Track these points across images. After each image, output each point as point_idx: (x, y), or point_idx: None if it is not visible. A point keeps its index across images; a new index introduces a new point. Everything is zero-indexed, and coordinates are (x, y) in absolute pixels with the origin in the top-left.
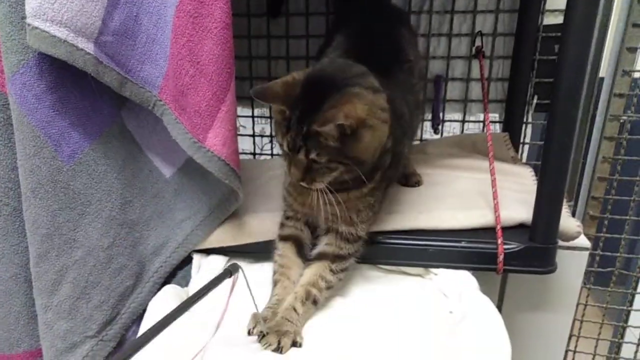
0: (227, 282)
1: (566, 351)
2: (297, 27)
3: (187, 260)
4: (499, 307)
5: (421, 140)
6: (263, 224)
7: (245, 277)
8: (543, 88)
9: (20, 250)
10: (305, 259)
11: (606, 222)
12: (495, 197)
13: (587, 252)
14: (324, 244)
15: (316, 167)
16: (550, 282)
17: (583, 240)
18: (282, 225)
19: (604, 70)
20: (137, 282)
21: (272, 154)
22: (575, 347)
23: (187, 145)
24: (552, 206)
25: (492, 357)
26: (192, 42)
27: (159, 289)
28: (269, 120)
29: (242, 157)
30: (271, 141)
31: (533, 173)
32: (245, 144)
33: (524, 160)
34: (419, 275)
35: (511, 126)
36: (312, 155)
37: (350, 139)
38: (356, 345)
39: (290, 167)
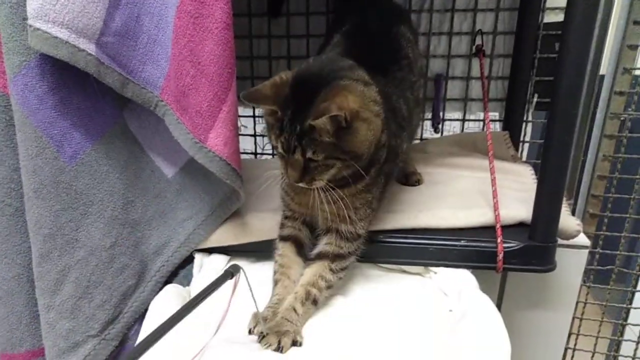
0: (229, 282)
1: (566, 349)
2: (298, 27)
3: (188, 260)
4: (499, 306)
5: (421, 139)
6: (264, 223)
7: (246, 278)
8: (543, 86)
9: (23, 250)
10: (305, 258)
11: (606, 220)
12: (494, 195)
13: (586, 251)
14: (324, 244)
15: (313, 165)
16: (550, 281)
17: (582, 239)
18: (281, 225)
19: (605, 68)
20: (140, 282)
21: (273, 154)
22: (575, 344)
23: (189, 145)
24: (552, 205)
25: (492, 355)
26: (193, 42)
27: (161, 288)
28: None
29: (243, 156)
30: None
31: (533, 171)
32: (246, 144)
33: (524, 158)
34: (419, 274)
35: (511, 125)
36: (309, 154)
37: (344, 133)
38: (356, 344)
39: (286, 168)
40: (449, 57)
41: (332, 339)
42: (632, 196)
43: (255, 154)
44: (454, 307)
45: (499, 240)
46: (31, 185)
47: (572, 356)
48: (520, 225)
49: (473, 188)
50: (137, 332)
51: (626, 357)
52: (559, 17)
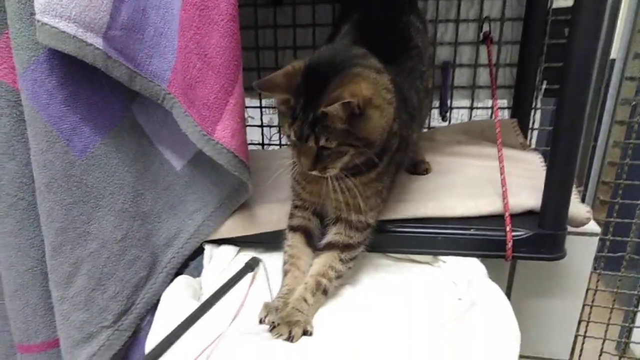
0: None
1: (576, 336)
2: (304, 16)
3: (198, 251)
4: (508, 294)
5: (429, 127)
6: (273, 214)
7: (265, 270)
8: (552, 73)
9: (36, 244)
10: (315, 248)
11: (617, 206)
12: (503, 184)
13: (596, 238)
14: (333, 234)
15: (326, 153)
16: (560, 268)
17: (593, 226)
18: (291, 215)
19: (615, 53)
20: (151, 273)
21: (280, 144)
22: (585, 332)
23: (197, 138)
24: (562, 192)
25: (502, 343)
26: (199, 34)
27: (172, 280)
28: (276, 110)
29: (250, 147)
30: (279, 131)
31: (542, 159)
32: (253, 135)
33: (533, 146)
34: (428, 263)
35: (520, 112)
36: (322, 142)
37: (357, 119)
38: (366, 333)
39: (299, 157)
40: (456, 44)
41: (341, 329)
42: None
43: (263, 144)
44: (463, 296)
45: (508, 228)
46: (42, 180)
47: (583, 343)
48: (530, 213)
49: (482, 176)
50: (150, 322)
51: (637, 343)
52: (568, 1)
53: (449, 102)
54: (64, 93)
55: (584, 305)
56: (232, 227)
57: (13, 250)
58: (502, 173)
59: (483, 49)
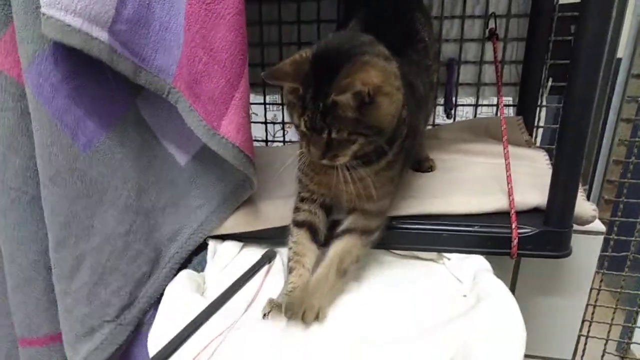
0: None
1: (579, 336)
2: (309, 12)
3: (202, 246)
4: (512, 292)
5: (433, 125)
6: (277, 210)
7: (282, 262)
8: (558, 70)
9: (39, 238)
10: (320, 244)
11: (621, 205)
12: (509, 181)
13: (601, 237)
14: (350, 221)
15: (336, 142)
16: (564, 267)
17: (598, 225)
18: (296, 209)
19: (622, 51)
20: (154, 268)
21: (284, 141)
22: (588, 332)
23: (202, 132)
24: (568, 190)
25: (507, 341)
26: (205, 29)
27: (175, 275)
28: (280, 107)
29: (254, 144)
30: (283, 128)
31: (547, 157)
32: (257, 132)
33: (538, 143)
34: (432, 260)
35: (525, 109)
36: (333, 132)
37: (368, 108)
38: (372, 328)
39: (309, 147)
40: (461, 41)
41: (347, 323)
42: None
43: (267, 141)
44: (468, 293)
45: (513, 225)
46: (47, 173)
47: (585, 343)
48: (535, 210)
49: (487, 174)
50: (152, 317)
51: (639, 344)
52: None
53: (453, 99)
54: (69, 87)
55: (587, 305)
56: (236, 223)
57: (16, 243)
58: (508, 170)
59: (488, 46)
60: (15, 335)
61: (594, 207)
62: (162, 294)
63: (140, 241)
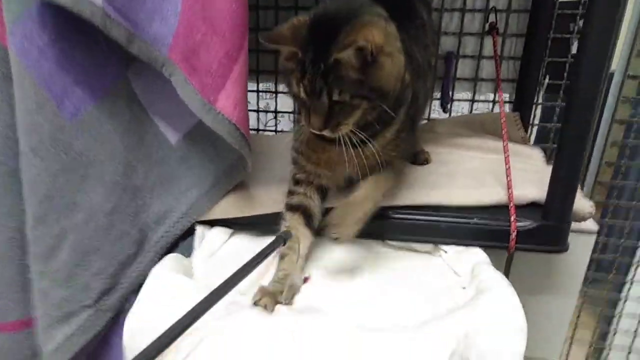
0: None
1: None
2: None
3: (189, 231)
4: None
5: (429, 119)
6: (270, 195)
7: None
8: (555, 68)
9: (16, 213)
10: (315, 230)
11: (611, 207)
12: (508, 174)
13: (594, 236)
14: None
15: (338, 108)
16: (556, 266)
17: (591, 224)
18: (290, 192)
19: (618, 51)
20: (139, 251)
21: (275, 130)
22: (573, 335)
23: (197, 106)
24: (568, 183)
25: (509, 333)
26: None
27: (160, 260)
28: (273, 95)
29: None
30: (275, 117)
31: (543, 154)
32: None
33: (532, 141)
34: (428, 252)
35: (522, 106)
36: (335, 95)
37: (370, 68)
38: (368, 318)
39: (309, 116)
40: (460, 34)
41: (342, 313)
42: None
43: (258, 130)
44: (466, 285)
45: (512, 218)
46: (28, 143)
47: (570, 344)
48: (532, 205)
49: (484, 168)
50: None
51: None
52: None
53: (450, 93)
54: (56, 51)
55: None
56: (227, 208)
57: None
58: (507, 162)
59: (487, 41)
60: None
61: (592, 203)
62: (145, 280)
63: (126, 221)
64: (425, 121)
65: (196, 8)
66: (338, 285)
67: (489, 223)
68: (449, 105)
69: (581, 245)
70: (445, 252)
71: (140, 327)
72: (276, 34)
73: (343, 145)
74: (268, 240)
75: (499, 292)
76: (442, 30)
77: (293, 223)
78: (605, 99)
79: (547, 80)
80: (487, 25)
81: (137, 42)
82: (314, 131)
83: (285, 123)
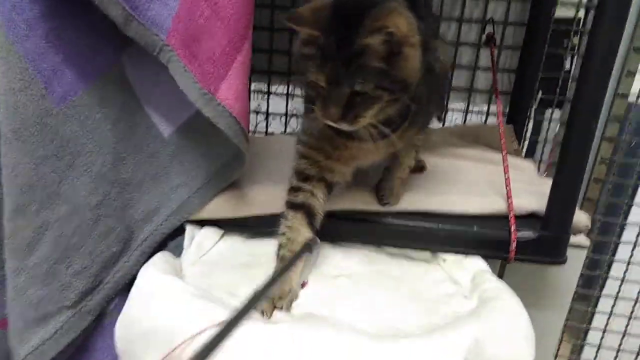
0: None
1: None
2: None
3: (179, 230)
4: None
5: None
6: (266, 195)
7: (317, 252)
8: (548, 83)
9: None
10: (316, 231)
11: (598, 224)
12: (507, 183)
13: (585, 251)
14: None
15: (358, 100)
16: (547, 279)
17: (582, 239)
18: (294, 189)
19: None
20: (124, 249)
21: (267, 133)
22: (557, 350)
23: (196, 96)
24: (569, 195)
25: (519, 341)
26: None
27: (147, 259)
28: (265, 96)
29: None
30: (267, 119)
31: (535, 166)
32: None
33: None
34: (425, 260)
35: (515, 119)
36: (357, 84)
37: (395, 59)
38: (371, 326)
39: (326, 106)
40: (457, 44)
41: (343, 319)
42: (625, 201)
43: (248, 131)
44: (468, 294)
45: (512, 228)
46: (11, 125)
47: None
48: (530, 216)
49: (481, 178)
50: (118, 306)
51: None
52: (570, 12)
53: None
54: (47, 26)
55: None
56: (219, 207)
57: None
58: (506, 172)
59: (483, 52)
60: None
61: (587, 216)
62: (130, 280)
63: (112, 216)
64: None
65: None
66: (336, 291)
67: (490, 232)
68: (442, 115)
69: (573, 260)
70: (444, 260)
71: (132, 330)
72: (297, 15)
73: (369, 139)
74: (260, 242)
75: (504, 301)
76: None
77: (295, 223)
78: None
79: (539, 95)
80: (484, 36)
81: (134, 24)
82: (329, 123)
83: (277, 125)
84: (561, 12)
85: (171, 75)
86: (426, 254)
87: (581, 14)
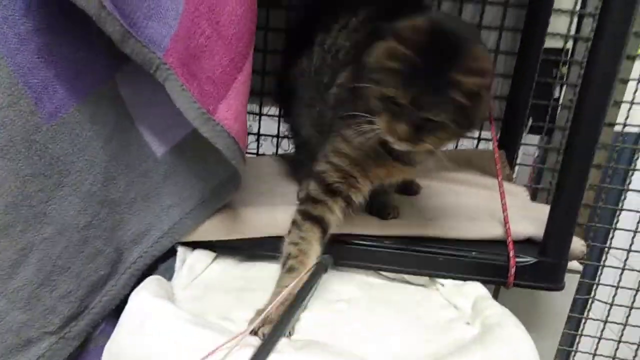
0: None
1: None
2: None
3: (170, 252)
4: None
5: None
6: (261, 218)
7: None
8: (538, 110)
9: None
10: (322, 247)
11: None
12: (504, 209)
13: (577, 276)
14: None
15: (429, 126)
16: (541, 304)
17: (575, 264)
18: (313, 200)
19: None
20: (112, 272)
21: (257, 153)
22: None
23: (194, 115)
24: (567, 222)
25: None
26: None
27: (136, 283)
28: (257, 117)
29: None
30: (258, 140)
31: (527, 192)
32: None
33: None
34: (423, 285)
35: (506, 146)
36: (436, 112)
37: (475, 98)
38: (376, 356)
39: (396, 124)
40: None
41: (347, 348)
42: (612, 227)
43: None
44: (470, 321)
45: (511, 254)
46: None
47: None
48: (527, 242)
49: (476, 203)
50: (105, 332)
51: None
52: (559, 43)
53: None
54: (40, 41)
55: None
56: (212, 229)
57: None
58: (502, 198)
59: None
60: None
61: (583, 242)
62: (119, 305)
63: (101, 238)
64: None
65: (202, 9)
66: (335, 317)
67: (488, 257)
68: None
69: (567, 284)
70: (442, 285)
71: (121, 357)
72: (399, 30)
73: (415, 163)
74: (254, 265)
75: (509, 328)
76: None
77: (309, 236)
78: None
79: (530, 122)
80: None
81: (131, 41)
82: (392, 139)
83: (268, 146)
84: (550, 42)
85: (167, 94)
86: (424, 279)
87: (569, 44)
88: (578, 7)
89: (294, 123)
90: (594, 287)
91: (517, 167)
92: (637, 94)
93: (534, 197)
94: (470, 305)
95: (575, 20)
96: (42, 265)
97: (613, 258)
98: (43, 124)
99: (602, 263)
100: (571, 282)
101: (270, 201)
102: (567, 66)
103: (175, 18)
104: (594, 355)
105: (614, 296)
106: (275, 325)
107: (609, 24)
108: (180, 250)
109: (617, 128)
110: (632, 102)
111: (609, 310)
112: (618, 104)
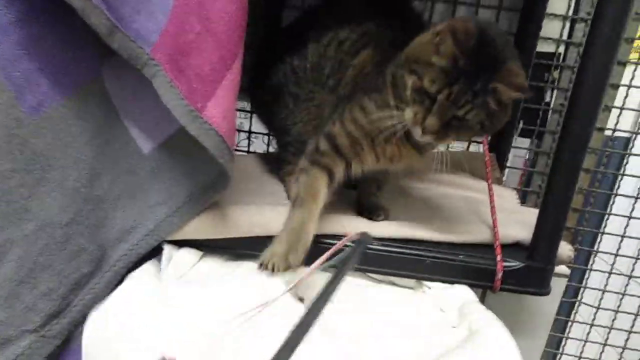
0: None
1: None
2: None
3: (155, 251)
4: None
5: None
6: (249, 217)
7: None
8: (529, 113)
9: None
10: (333, 193)
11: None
12: (493, 213)
13: (565, 280)
14: None
15: (456, 124)
16: (526, 307)
17: (563, 268)
18: (320, 152)
19: None
20: (96, 270)
21: (248, 151)
22: None
23: (182, 113)
24: (555, 226)
25: None
26: None
27: (120, 281)
28: (248, 115)
29: None
30: (249, 138)
31: (516, 195)
32: None
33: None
34: (410, 287)
35: (497, 148)
36: (470, 113)
37: (502, 106)
38: (360, 356)
39: (426, 117)
40: None
41: (335, 350)
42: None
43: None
44: (456, 324)
45: (498, 258)
46: None
47: None
48: (515, 246)
49: (465, 206)
50: None
51: None
52: (551, 47)
53: None
54: (23, 33)
55: None
56: (199, 228)
57: None
58: (492, 201)
59: None
60: None
61: (571, 247)
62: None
63: (83, 235)
64: None
65: (192, 4)
66: (321, 317)
67: (476, 261)
68: None
69: (553, 288)
70: (429, 287)
71: (101, 334)
72: (456, 28)
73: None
74: (241, 264)
75: (494, 332)
76: None
77: (317, 174)
78: None
79: (521, 125)
80: None
81: (118, 35)
82: (417, 129)
83: (259, 144)
84: (543, 46)
85: (154, 91)
86: (411, 281)
87: (562, 49)
88: (571, 12)
89: (280, 122)
90: (581, 290)
91: (506, 170)
92: (627, 99)
93: (523, 200)
94: (456, 308)
95: (568, 25)
96: (22, 262)
97: (601, 261)
98: (25, 117)
99: (589, 267)
100: (558, 286)
101: (259, 200)
102: (558, 70)
103: (164, 14)
104: (580, 358)
105: (600, 299)
106: (322, 292)
107: (601, 29)
108: (167, 248)
109: (607, 133)
110: (622, 108)
111: (595, 313)
112: (608, 109)
